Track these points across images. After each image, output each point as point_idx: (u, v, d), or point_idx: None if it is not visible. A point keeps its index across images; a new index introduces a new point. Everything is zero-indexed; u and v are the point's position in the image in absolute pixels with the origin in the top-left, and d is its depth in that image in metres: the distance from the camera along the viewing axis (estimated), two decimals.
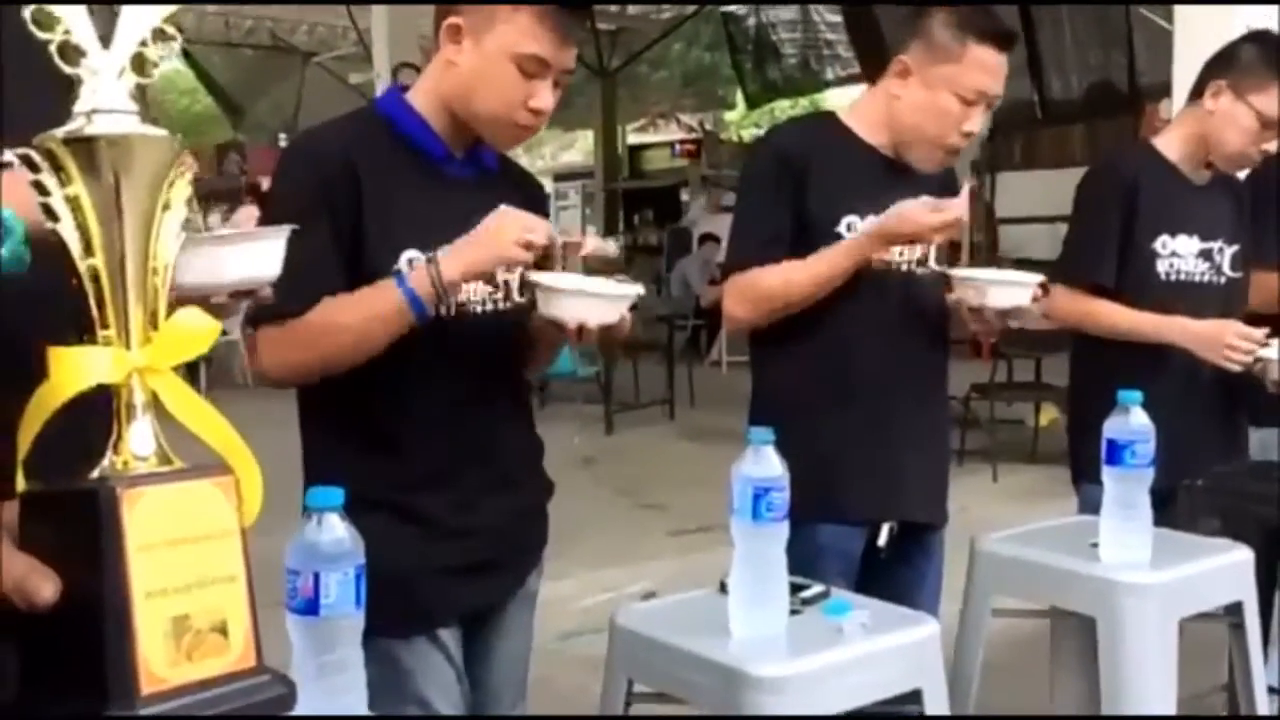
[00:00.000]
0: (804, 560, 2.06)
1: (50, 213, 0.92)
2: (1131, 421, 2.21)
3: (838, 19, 15.16)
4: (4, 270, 0.92)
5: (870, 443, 2.48)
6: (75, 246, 0.92)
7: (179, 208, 0.96)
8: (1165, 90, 5.76)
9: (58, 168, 0.91)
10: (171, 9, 0.96)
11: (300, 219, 1.79)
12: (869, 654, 1.89)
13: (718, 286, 12.92)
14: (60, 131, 0.91)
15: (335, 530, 1.24)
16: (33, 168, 0.92)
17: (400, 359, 1.89)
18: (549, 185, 17.54)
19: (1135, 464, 2.21)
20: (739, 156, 16.21)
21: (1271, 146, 2.89)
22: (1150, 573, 2.24)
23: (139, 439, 0.94)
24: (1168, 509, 2.58)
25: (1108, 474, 2.24)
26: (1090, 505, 2.49)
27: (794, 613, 1.93)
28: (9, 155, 0.94)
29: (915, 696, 1.91)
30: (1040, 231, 11.45)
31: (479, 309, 1.98)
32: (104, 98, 0.93)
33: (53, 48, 0.92)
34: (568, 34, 1.91)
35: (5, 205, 0.93)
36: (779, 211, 2.45)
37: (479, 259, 1.82)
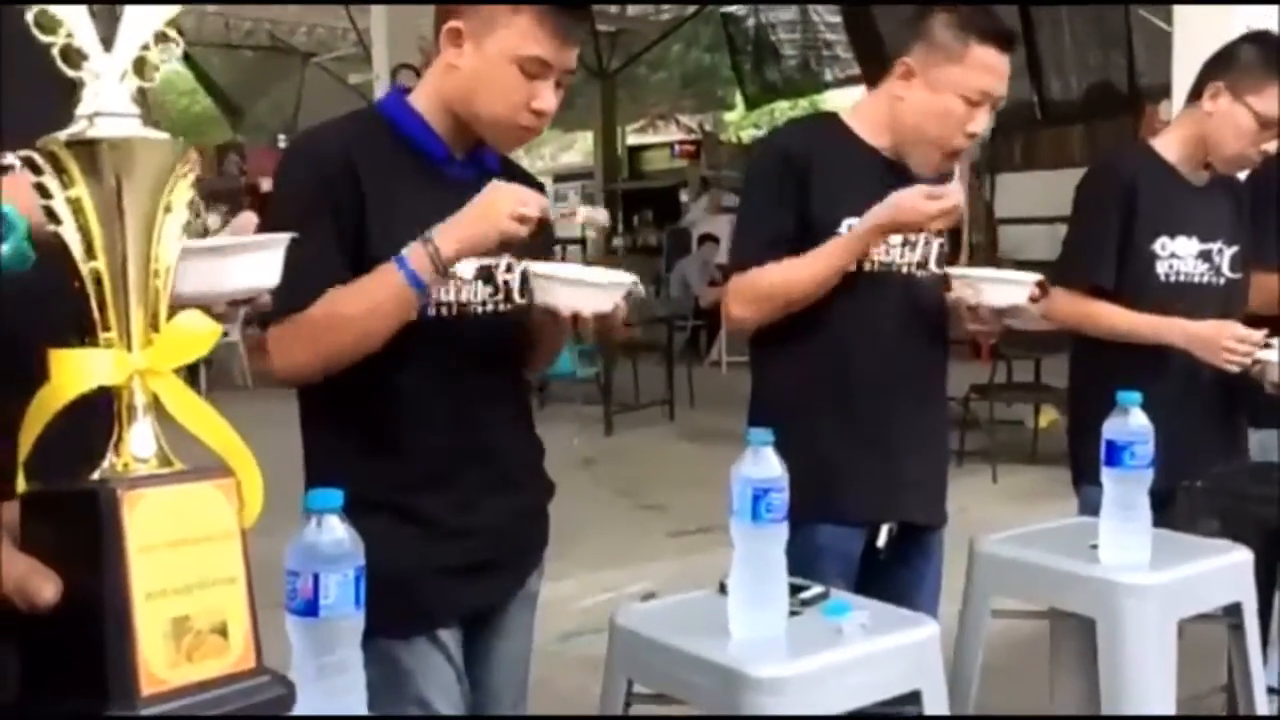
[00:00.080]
0: (803, 561, 2.06)
1: (52, 215, 0.92)
2: (1131, 422, 2.21)
3: (837, 20, 15.18)
4: (6, 267, 0.92)
5: (869, 444, 2.48)
6: (77, 249, 0.93)
7: (180, 210, 0.97)
8: (1165, 91, 5.77)
9: (60, 170, 0.92)
10: (173, 12, 0.97)
11: (303, 218, 1.81)
12: (868, 655, 1.89)
13: (717, 287, 12.96)
14: (63, 134, 0.92)
15: (335, 531, 1.24)
16: (35, 170, 0.92)
17: (401, 360, 1.90)
18: (549, 186, 17.54)
19: (1134, 465, 2.21)
20: (738, 157, 16.23)
21: (1271, 147, 2.88)
22: (1149, 574, 2.24)
23: (140, 441, 0.94)
24: (1167, 510, 2.58)
25: (1107, 475, 2.24)
26: (1090, 507, 2.49)
27: (793, 614, 1.93)
28: (11, 158, 0.94)
29: (915, 698, 1.91)
30: (1040, 232, 11.46)
31: (479, 310, 1.98)
32: (106, 101, 0.93)
33: (55, 51, 0.92)
34: (568, 34, 1.92)
35: (7, 203, 0.93)
36: (782, 212, 2.45)
37: (475, 234, 1.83)
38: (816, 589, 2.07)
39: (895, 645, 1.93)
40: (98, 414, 0.95)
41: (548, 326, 2.02)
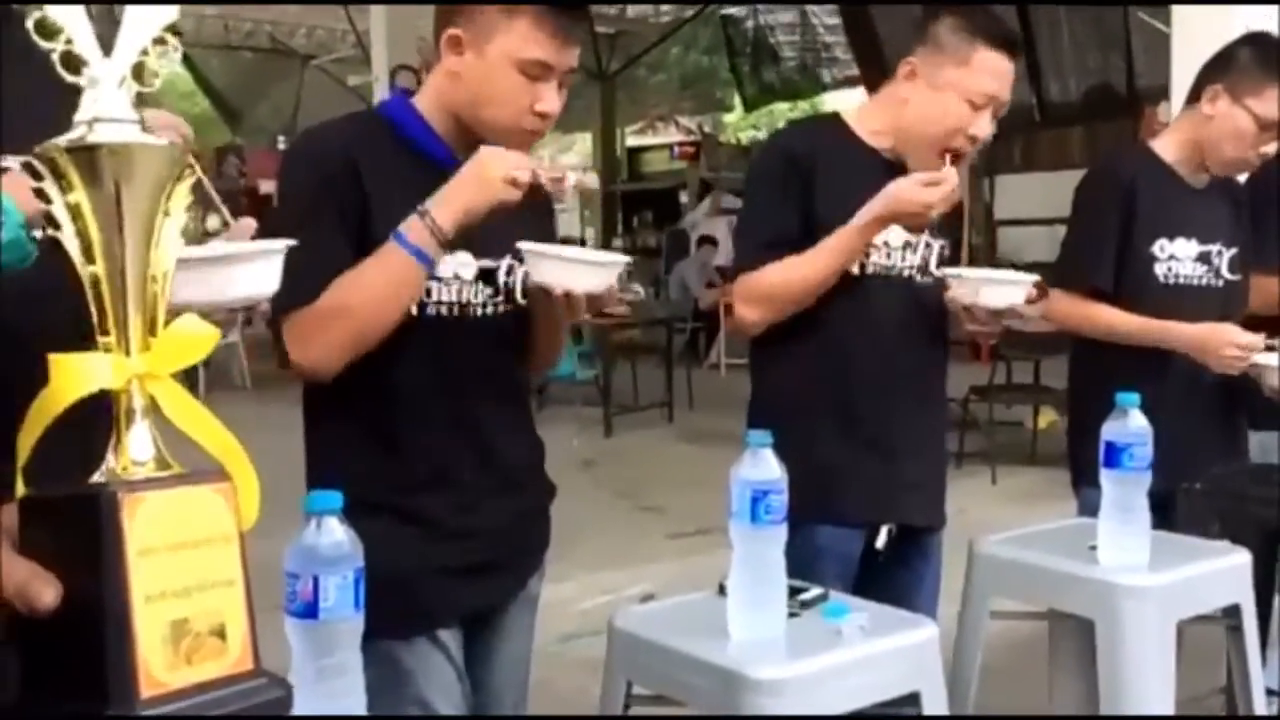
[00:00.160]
0: (802, 562, 2.06)
1: (52, 220, 0.93)
2: (1130, 424, 2.21)
3: (836, 22, 15.21)
4: (5, 258, 0.93)
5: (869, 446, 2.48)
6: (76, 254, 0.93)
7: (179, 215, 0.97)
8: (1164, 93, 5.77)
9: (59, 175, 0.92)
10: (171, 17, 0.97)
11: (309, 213, 1.82)
12: (867, 656, 1.89)
13: (716, 289, 12.94)
14: (62, 140, 0.92)
15: (334, 534, 1.24)
16: (35, 175, 0.92)
17: (402, 361, 1.91)
18: None
19: (1133, 467, 2.21)
20: (738, 159, 16.25)
21: (1270, 149, 2.88)
22: (1149, 575, 2.24)
23: (138, 444, 0.95)
24: (1167, 512, 2.58)
25: (1106, 476, 2.24)
26: (1090, 509, 2.48)
27: (792, 615, 1.93)
28: (10, 161, 0.94)
29: (914, 699, 1.91)
30: (1039, 234, 11.46)
31: (480, 311, 1.99)
32: (105, 106, 0.93)
33: (55, 56, 0.92)
34: (568, 35, 1.92)
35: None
36: (785, 212, 2.44)
37: (471, 201, 1.83)
38: (815, 591, 2.07)
39: (894, 647, 1.93)
40: (97, 418, 0.95)
41: (544, 317, 2.03)
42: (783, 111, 18.17)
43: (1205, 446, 2.89)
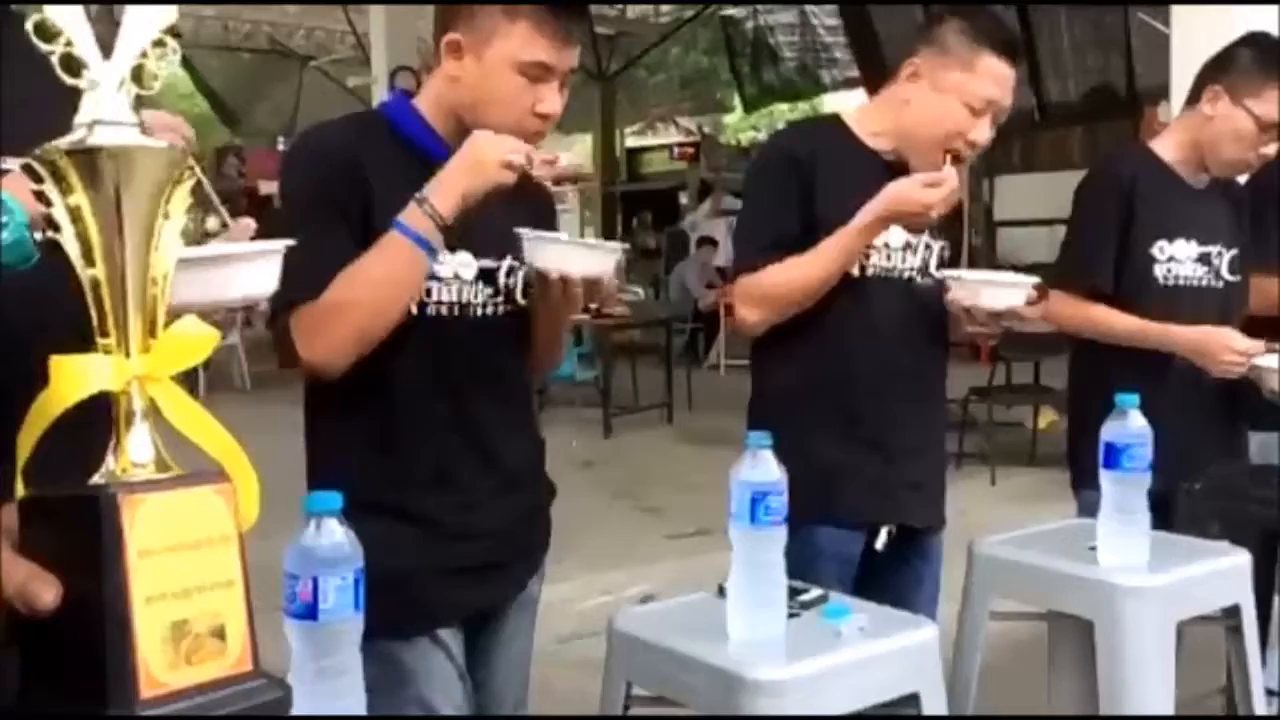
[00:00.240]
0: (802, 563, 2.06)
1: (52, 223, 0.93)
2: (1129, 425, 2.21)
3: (835, 23, 15.21)
4: (7, 257, 0.93)
5: (869, 446, 2.49)
6: (76, 256, 0.93)
7: (179, 218, 0.97)
8: (1164, 93, 5.77)
9: (60, 178, 0.92)
10: (171, 19, 0.97)
11: (313, 209, 1.83)
12: (867, 657, 1.89)
13: (715, 290, 12.94)
14: (63, 142, 0.92)
15: (334, 535, 1.24)
16: (35, 178, 0.92)
17: (402, 361, 1.91)
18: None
19: (1133, 467, 2.21)
20: (737, 160, 16.26)
21: (1270, 150, 2.88)
22: (1148, 576, 2.24)
23: (138, 446, 0.95)
24: (1167, 512, 2.58)
25: (1105, 477, 2.24)
26: (1089, 509, 2.49)
27: (792, 616, 1.93)
28: (10, 163, 0.94)
29: (913, 700, 1.91)
30: (1039, 234, 11.48)
31: (480, 312, 1.99)
32: (105, 109, 0.93)
33: (55, 59, 0.92)
34: (568, 35, 1.92)
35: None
36: (786, 213, 2.45)
37: (469, 186, 1.84)
38: (815, 592, 2.07)
39: (894, 648, 1.93)
40: (96, 419, 0.96)
41: (545, 314, 2.04)
42: (782, 112, 18.18)
43: (1205, 447, 2.88)
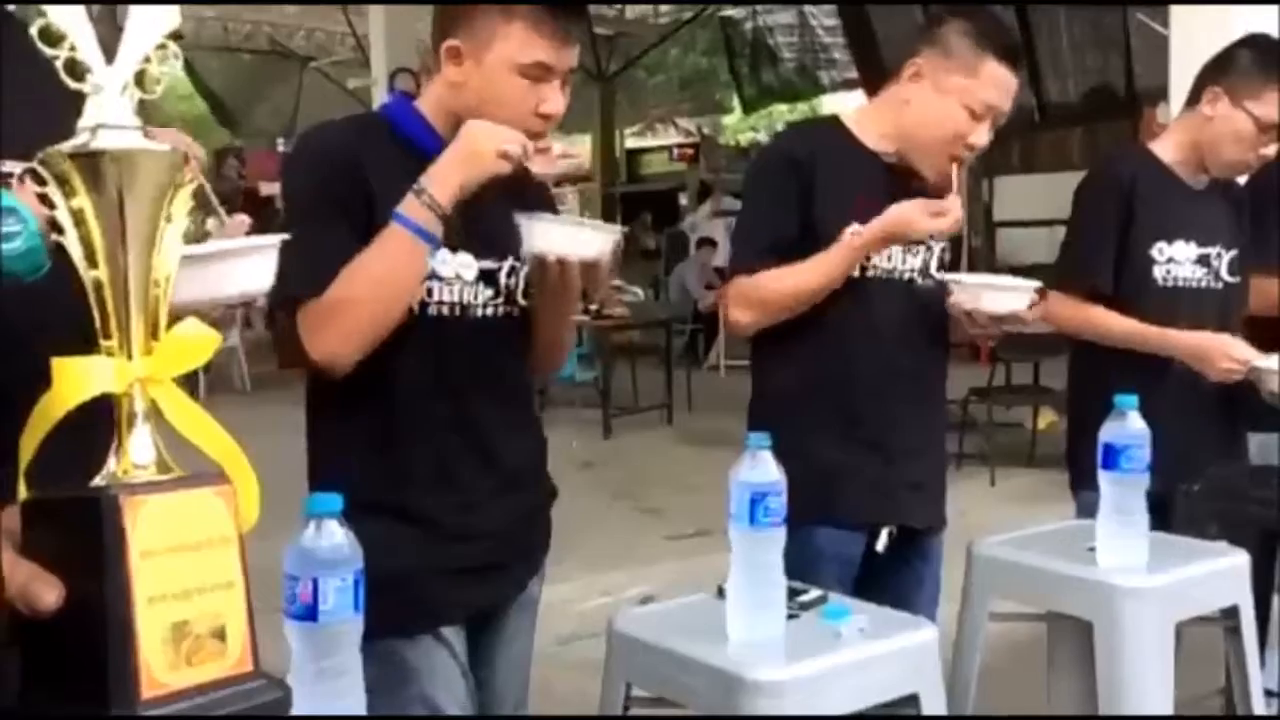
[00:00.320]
0: (802, 563, 2.06)
1: (55, 225, 0.93)
2: (1128, 426, 2.22)
3: (834, 24, 15.20)
4: (21, 267, 0.93)
5: (869, 447, 2.49)
6: (79, 258, 0.94)
7: (180, 221, 0.97)
8: (1163, 94, 5.77)
9: (63, 181, 0.93)
10: (173, 24, 0.97)
11: (316, 207, 1.83)
12: (866, 658, 1.89)
13: (715, 291, 12.90)
14: (66, 146, 0.93)
15: (334, 536, 1.24)
16: (39, 181, 0.93)
17: (403, 362, 1.91)
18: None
19: (1131, 468, 2.21)
20: (737, 160, 16.26)
21: (1270, 151, 2.88)
22: (1147, 577, 2.24)
23: (140, 447, 0.95)
24: (1165, 513, 2.58)
25: (1104, 478, 2.24)
26: (1088, 510, 2.48)
27: (791, 617, 1.94)
28: (11, 166, 0.95)
29: (913, 700, 1.91)
30: (1038, 235, 11.47)
31: (481, 312, 1.99)
32: (108, 113, 0.94)
33: (59, 63, 0.93)
34: (567, 34, 1.93)
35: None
36: (784, 215, 2.45)
37: (466, 176, 1.85)
38: (814, 592, 2.08)
39: (893, 648, 1.93)
40: (98, 420, 0.96)
41: (546, 312, 2.05)
42: (781, 113, 18.19)
43: (1204, 448, 2.89)
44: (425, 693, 1.96)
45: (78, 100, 0.94)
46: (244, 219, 1.38)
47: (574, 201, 19.06)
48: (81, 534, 0.90)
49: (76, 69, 0.94)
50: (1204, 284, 2.93)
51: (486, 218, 1.92)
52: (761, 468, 1.82)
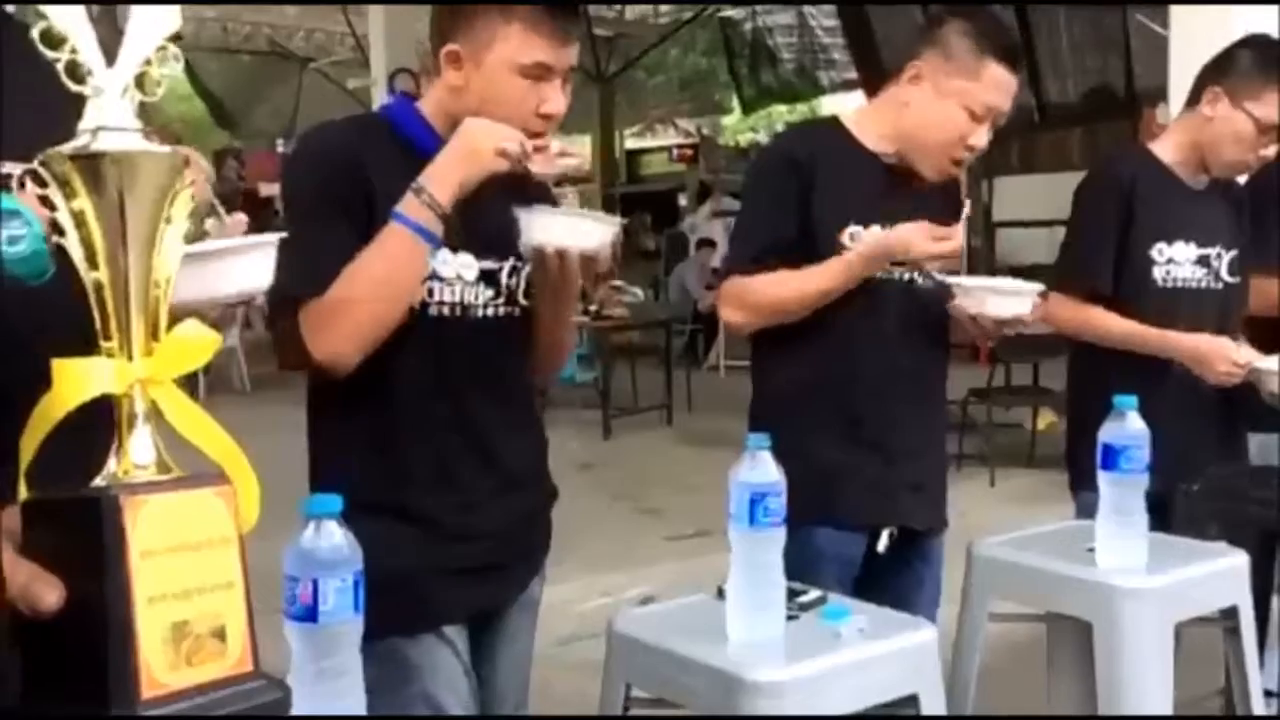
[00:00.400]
0: (803, 564, 2.07)
1: (56, 227, 0.94)
2: (1127, 426, 2.22)
3: (834, 24, 15.20)
4: (25, 271, 0.94)
5: (870, 448, 2.49)
6: (80, 260, 0.94)
7: (181, 222, 0.98)
8: (1163, 94, 5.78)
9: (64, 183, 0.93)
10: (174, 27, 0.97)
11: (315, 209, 1.84)
12: (866, 659, 1.89)
13: (715, 291, 12.92)
14: (67, 148, 0.93)
15: (333, 537, 1.24)
16: (40, 183, 0.93)
17: (404, 362, 1.91)
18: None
19: (1131, 469, 2.21)
20: (736, 161, 16.26)
21: (1270, 152, 2.89)
22: (1146, 577, 2.24)
23: (140, 448, 0.95)
24: (1165, 513, 2.58)
25: (1103, 478, 2.24)
26: (1087, 511, 2.49)
27: (791, 618, 1.94)
28: (11, 168, 0.95)
29: (912, 701, 1.91)
30: (1038, 236, 11.46)
31: (481, 313, 1.99)
32: (109, 115, 0.94)
33: (60, 66, 0.93)
34: (565, 33, 1.93)
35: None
36: (783, 216, 2.45)
37: (465, 174, 1.85)
38: (814, 593, 2.08)
39: (893, 649, 1.93)
40: (98, 421, 0.96)
41: (547, 310, 2.05)
42: (781, 114, 18.20)
43: (1203, 448, 2.89)
44: (428, 691, 1.96)
45: (78, 102, 0.94)
46: (242, 218, 1.39)
47: (574, 201, 19.08)
48: (82, 534, 0.90)
49: (77, 71, 0.94)
50: (1204, 284, 2.93)
51: (487, 218, 1.92)
52: (761, 468, 1.82)
